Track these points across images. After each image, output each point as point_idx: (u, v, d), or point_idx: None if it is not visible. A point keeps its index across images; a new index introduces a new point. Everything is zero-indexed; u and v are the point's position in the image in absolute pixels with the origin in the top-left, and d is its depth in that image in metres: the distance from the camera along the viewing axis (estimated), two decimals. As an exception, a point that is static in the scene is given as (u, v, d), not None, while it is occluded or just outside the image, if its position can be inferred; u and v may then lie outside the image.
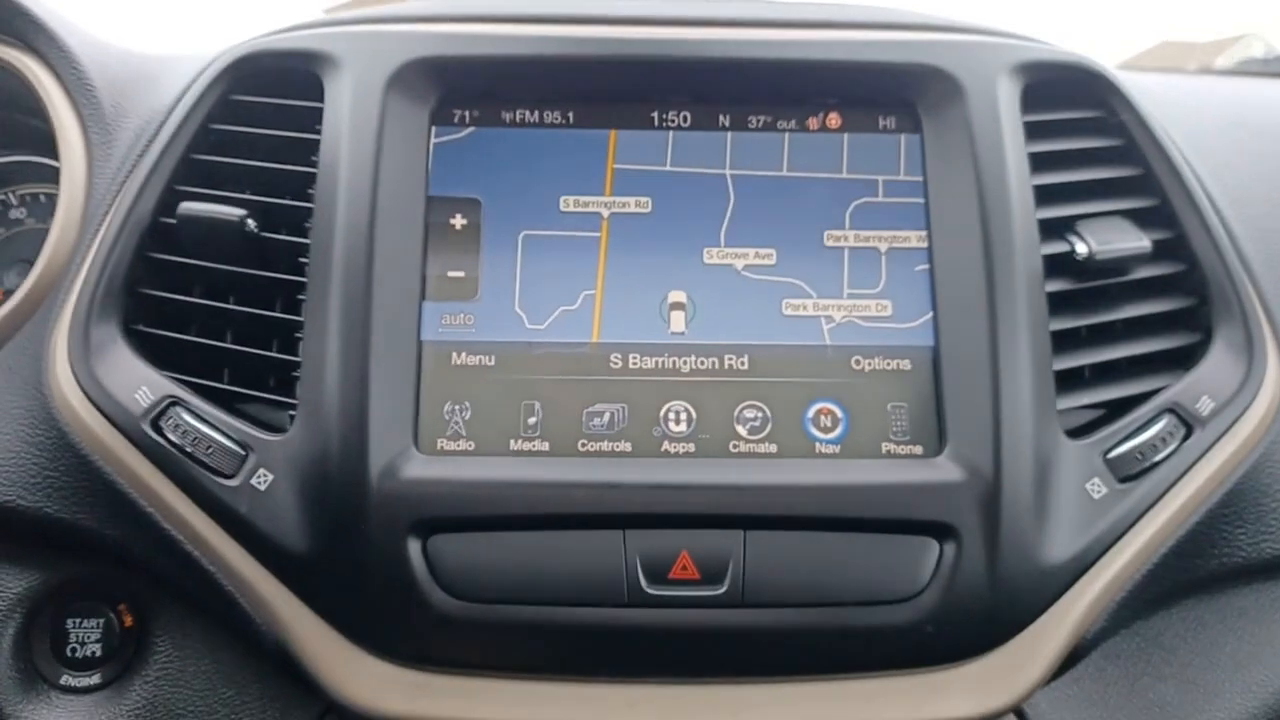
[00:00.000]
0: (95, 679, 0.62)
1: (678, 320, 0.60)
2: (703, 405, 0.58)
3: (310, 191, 0.62)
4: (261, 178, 0.62)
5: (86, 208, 0.65)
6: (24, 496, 0.61)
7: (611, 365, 0.59)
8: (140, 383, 0.59)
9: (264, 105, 0.64)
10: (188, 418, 0.58)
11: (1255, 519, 0.62)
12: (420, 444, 0.56)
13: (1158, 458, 0.58)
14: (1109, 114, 0.66)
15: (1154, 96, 0.68)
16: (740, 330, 0.60)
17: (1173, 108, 0.70)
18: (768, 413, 0.58)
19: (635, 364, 0.59)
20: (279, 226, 0.61)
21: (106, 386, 0.59)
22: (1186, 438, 0.59)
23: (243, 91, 0.64)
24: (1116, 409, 0.60)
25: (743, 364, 0.59)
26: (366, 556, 0.54)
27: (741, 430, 0.58)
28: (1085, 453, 0.58)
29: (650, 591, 0.54)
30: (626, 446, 0.57)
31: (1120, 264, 0.62)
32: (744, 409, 0.58)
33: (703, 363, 0.59)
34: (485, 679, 0.55)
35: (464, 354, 0.59)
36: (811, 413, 0.58)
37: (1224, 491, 0.60)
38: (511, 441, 0.57)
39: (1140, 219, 0.64)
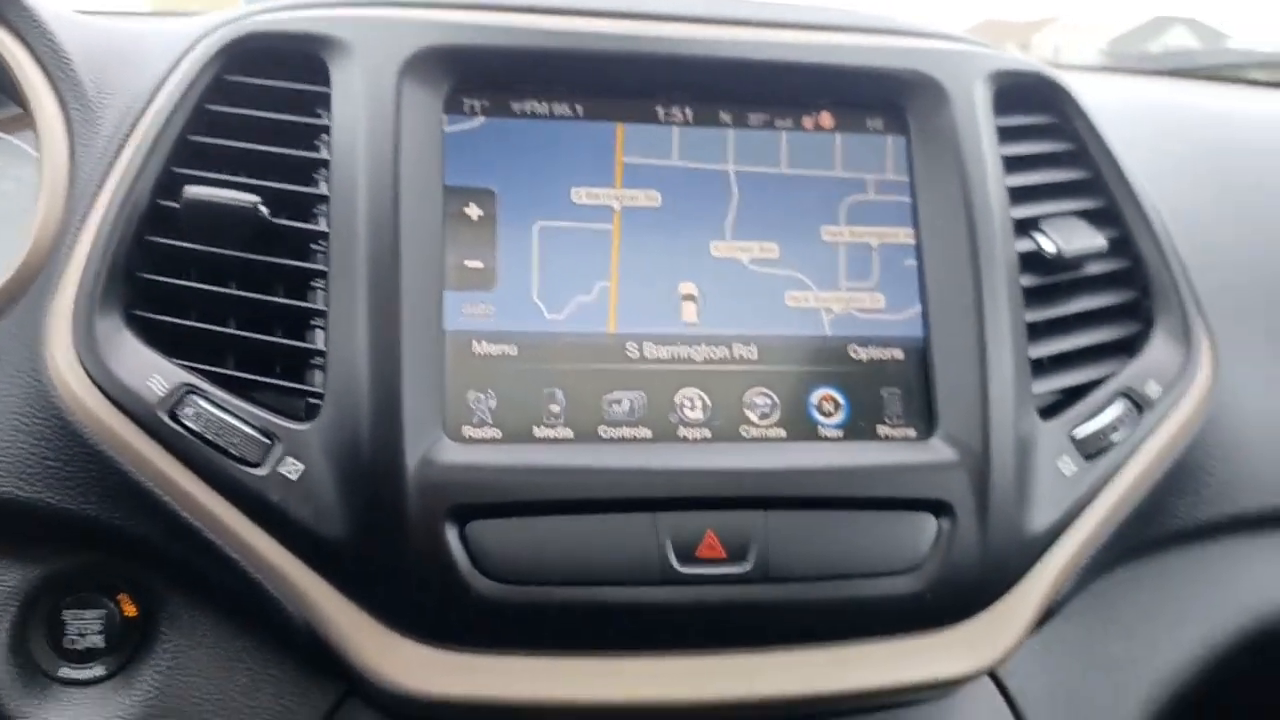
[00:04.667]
0: (98, 670, 0.61)
1: (689, 311, 0.63)
2: (715, 392, 0.61)
3: (317, 177, 0.62)
4: (265, 162, 0.62)
5: (71, 190, 0.63)
6: (21, 487, 0.59)
7: (628, 355, 0.61)
8: (151, 371, 0.58)
9: (264, 88, 0.63)
10: (207, 406, 0.57)
11: (1193, 490, 0.69)
12: (448, 432, 0.58)
13: (1115, 437, 0.65)
14: (1064, 120, 0.72)
15: (1094, 100, 0.74)
16: (748, 321, 0.63)
17: (1111, 112, 0.76)
18: (775, 399, 0.62)
19: (651, 353, 0.62)
20: (288, 212, 0.61)
21: (116, 375, 0.58)
22: (1138, 418, 0.66)
23: (240, 72, 0.63)
24: (1073, 394, 0.67)
25: (751, 353, 0.62)
26: (405, 543, 0.55)
27: (752, 416, 0.62)
28: (1056, 433, 0.64)
29: (680, 570, 0.57)
30: (646, 433, 0.60)
31: (1079, 261, 0.68)
32: (753, 395, 0.62)
33: (714, 352, 0.62)
34: (521, 657, 0.57)
35: (485, 343, 0.60)
36: (815, 399, 0.63)
37: (1168, 465, 0.67)
38: (535, 429, 0.59)
39: (1091, 218, 0.70)
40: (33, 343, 0.60)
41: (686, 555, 0.57)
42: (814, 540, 0.58)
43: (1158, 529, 0.69)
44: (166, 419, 0.57)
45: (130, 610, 0.62)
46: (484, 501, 0.56)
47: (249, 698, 0.61)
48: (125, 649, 0.62)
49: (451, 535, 0.55)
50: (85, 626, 0.62)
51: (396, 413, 0.56)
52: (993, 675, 0.68)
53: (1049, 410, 0.65)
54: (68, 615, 0.62)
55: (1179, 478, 0.69)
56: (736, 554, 0.57)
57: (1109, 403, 0.66)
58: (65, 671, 0.61)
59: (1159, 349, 0.69)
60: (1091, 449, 0.64)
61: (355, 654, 0.57)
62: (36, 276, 0.62)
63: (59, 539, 0.61)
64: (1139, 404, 0.67)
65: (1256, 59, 1.32)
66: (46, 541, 0.61)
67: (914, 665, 0.60)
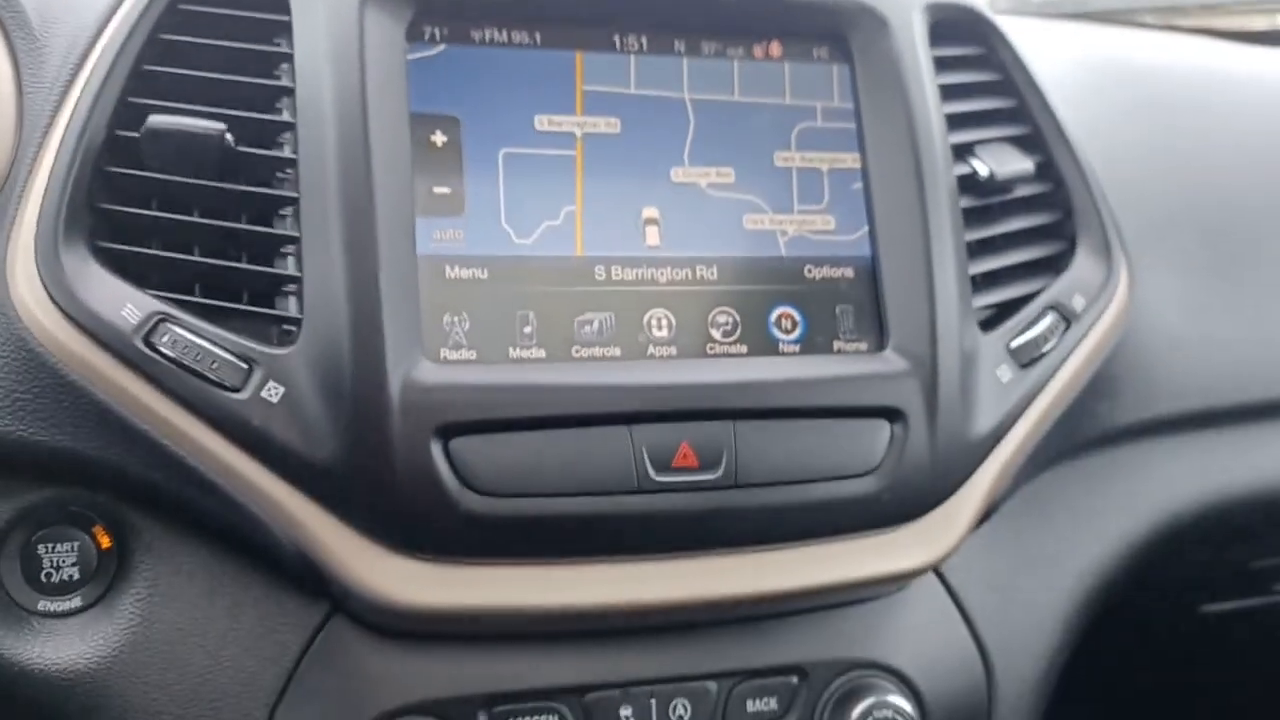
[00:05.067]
0: (75, 602, 0.62)
1: (652, 235, 0.65)
2: (680, 312, 0.64)
3: (279, 106, 0.62)
4: (225, 91, 0.61)
5: (20, 122, 0.62)
6: None
7: (596, 277, 0.63)
8: (124, 300, 0.58)
9: (221, 16, 0.62)
10: (183, 332, 0.57)
11: (1112, 396, 0.75)
12: (426, 354, 0.59)
13: (1047, 347, 0.70)
14: (991, 52, 0.76)
15: (1020, 37, 0.79)
16: (708, 243, 0.66)
17: (1032, 47, 0.81)
18: (737, 318, 0.65)
19: (618, 275, 0.64)
20: (252, 141, 0.61)
21: (87, 305, 0.57)
22: (1066, 330, 0.71)
23: (195, 1, 0.62)
24: (1007, 309, 0.71)
25: (712, 274, 0.65)
26: (392, 461, 0.56)
27: (716, 334, 0.64)
28: (994, 344, 0.68)
29: (657, 479, 0.59)
30: (616, 351, 0.63)
31: (1009, 184, 0.73)
32: (716, 314, 0.65)
33: (678, 273, 0.65)
34: (506, 567, 0.60)
35: (457, 267, 0.61)
36: (774, 317, 0.66)
37: (1092, 373, 0.73)
38: (510, 349, 0.61)
39: (1019, 144, 0.75)
40: None
41: (662, 465, 0.60)
42: (779, 448, 0.62)
43: (1083, 433, 0.75)
44: (142, 346, 0.57)
45: (105, 542, 0.62)
46: (467, 419, 0.58)
47: (233, 621, 0.62)
48: (102, 580, 0.62)
49: (437, 452, 0.57)
50: (60, 559, 0.62)
51: (378, 335, 0.57)
52: (938, 572, 0.72)
53: (987, 324, 0.70)
54: (41, 549, 0.61)
55: (1101, 385, 0.74)
56: (709, 463, 0.60)
57: (1040, 316, 0.71)
58: (43, 604, 0.61)
59: (1082, 266, 0.74)
60: (1026, 358, 0.69)
61: (344, 570, 0.58)
62: None
63: (30, 473, 0.61)
64: (1066, 317, 0.71)
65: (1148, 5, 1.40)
66: (17, 475, 0.61)
67: (871, 561, 0.64)
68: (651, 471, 0.59)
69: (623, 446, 0.59)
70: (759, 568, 0.62)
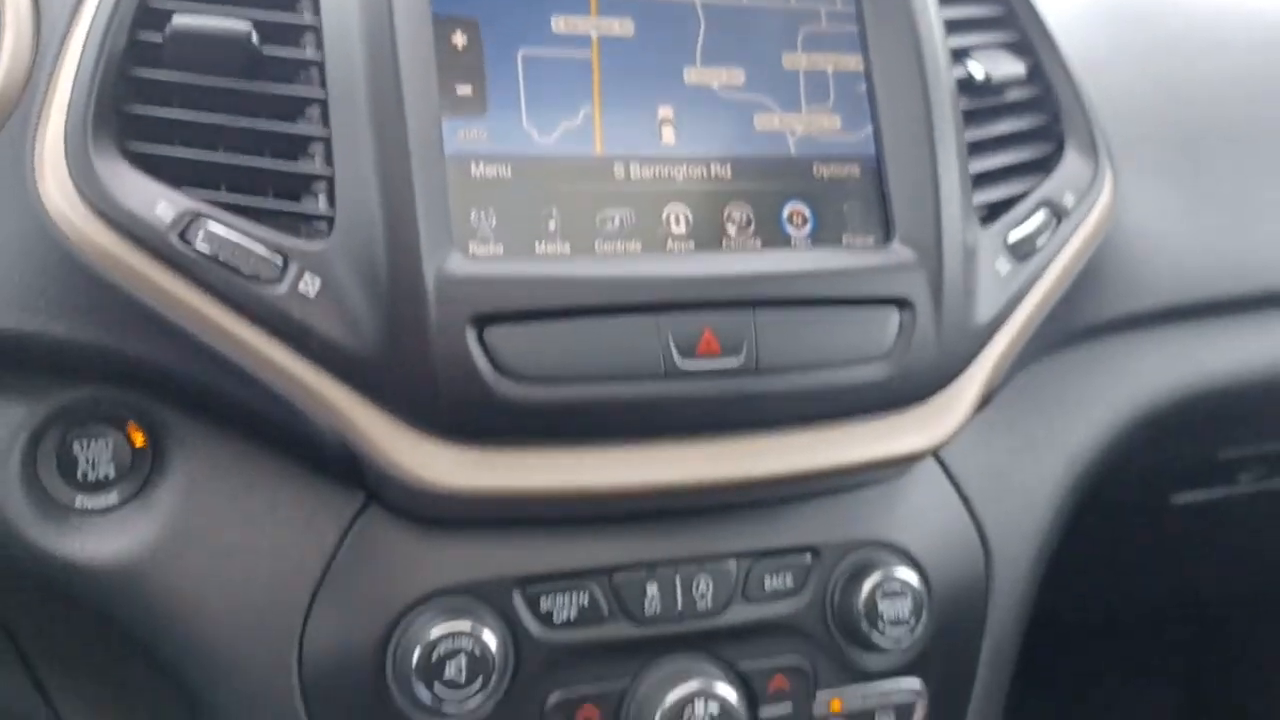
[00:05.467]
0: (113, 498, 0.63)
1: (668, 134, 0.67)
2: (697, 208, 0.66)
3: (301, 6, 0.63)
4: None
5: (38, 27, 0.62)
6: (25, 320, 0.59)
7: (616, 175, 0.65)
8: (156, 199, 0.59)
9: None
10: (218, 228, 0.59)
11: (1099, 289, 0.79)
12: (457, 247, 0.61)
13: (1040, 241, 0.73)
14: None
15: None
16: (721, 143, 0.68)
17: None
18: (750, 214, 0.67)
19: (636, 173, 0.66)
20: (277, 41, 0.62)
21: (121, 203, 0.58)
22: (1058, 225, 0.75)
23: None
24: (1001, 207, 0.74)
25: (726, 172, 0.67)
26: (430, 350, 0.58)
27: (731, 230, 0.67)
28: (993, 238, 0.72)
29: (682, 365, 0.62)
30: (637, 246, 0.65)
31: (1002, 86, 0.76)
32: (731, 210, 0.67)
33: (693, 171, 0.67)
34: (539, 451, 0.62)
35: (483, 165, 0.63)
36: (786, 213, 0.68)
37: (1081, 267, 0.76)
38: (537, 244, 0.63)
39: (1010, 50, 0.78)
40: (21, 177, 0.60)
41: (688, 351, 0.62)
42: (796, 335, 0.64)
43: (1071, 325, 0.78)
44: (178, 243, 0.58)
45: (139, 440, 0.64)
46: (501, 309, 0.60)
47: (271, 513, 0.64)
48: (137, 477, 0.64)
49: (473, 340, 0.59)
50: (95, 457, 0.63)
51: (412, 229, 0.59)
52: (939, 459, 0.76)
53: (983, 221, 0.73)
54: (76, 447, 0.63)
55: (1088, 279, 0.78)
56: (731, 349, 0.63)
57: (1033, 212, 0.74)
58: (80, 501, 0.63)
59: (1071, 165, 0.77)
60: (1021, 252, 0.72)
61: (384, 456, 0.60)
62: (12, 111, 0.61)
63: (64, 372, 0.61)
64: (1058, 213, 0.75)
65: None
66: (51, 375, 0.62)
67: (880, 443, 0.68)
68: (677, 358, 0.62)
69: (649, 334, 0.62)
70: (777, 450, 0.65)
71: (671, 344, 0.62)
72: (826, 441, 0.66)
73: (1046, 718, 0.81)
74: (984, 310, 0.70)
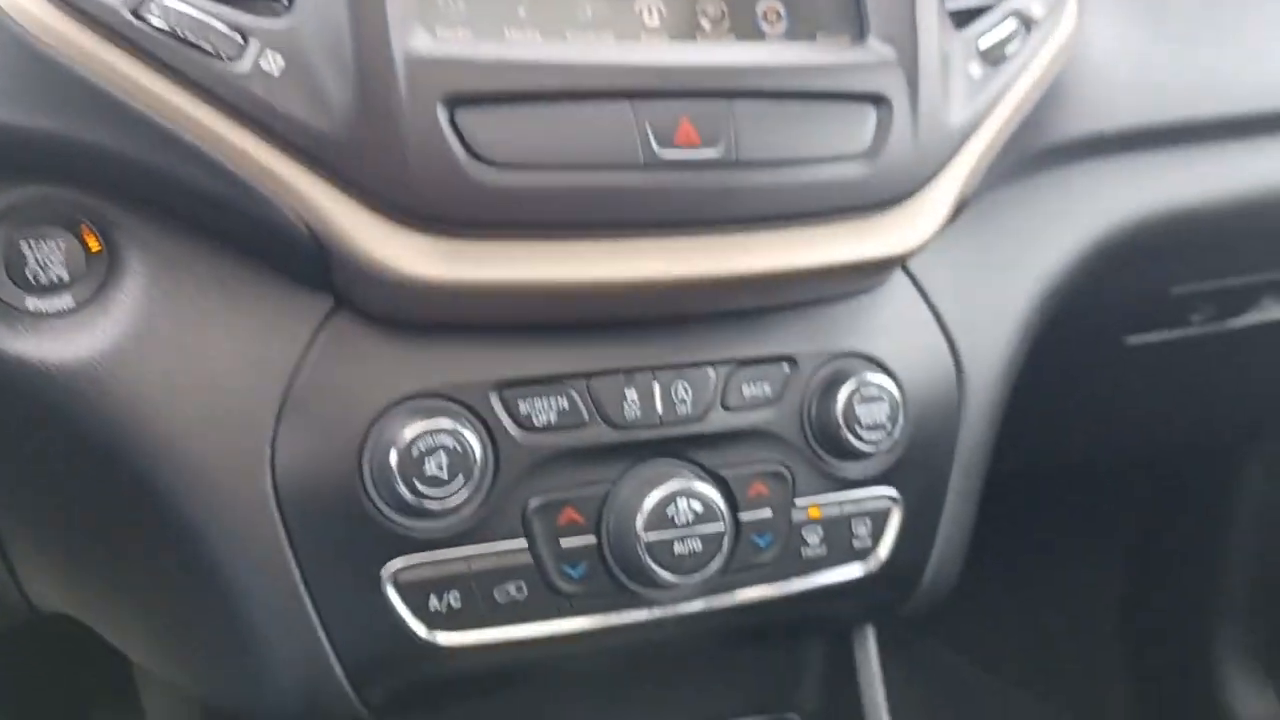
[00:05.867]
0: (67, 301, 0.60)
1: None
2: (670, 2, 0.64)
3: None
4: None
5: None
6: None
7: None
8: None
9: None
10: (172, 3, 0.55)
11: (1065, 106, 0.79)
12: (426, 28, 0.58)
13: (1010, 49, 0.73)
14: None
15: None
16: None
17: None
18: (724, 8, 0.65)
19: None
20: None
21: None
22: (1027, 34, 0.74)
23: None
24: (969, 15, 0.74)
25: None
26: (401, 130, 0.56)
27: (705, 24, 0.65)
28: (966, 43, 0.71)
29: (660, 154, 0.60)
30: (610, 35, 0.63)
31: None
32: (705, 5, 0.65)
33: None
34: (514, 242, 0.60)
35: None
36: (760, 9, 0.66)
37: (1050, 80, 0.76)
38: (506, 30, 0.61)
39: None
40: None
41: (666, 141, 0.61)
42: (775, 128, 0.63)
43: (1040, 142, 0.78)
44: (131, 18, 0.55)
45: (94, 244, 0.60)
46: (473, 89, 0.57)
47: (236, 315, 0.61)
48: (93, 280, 0.60)
49: (444, 122, 0.57)
50: (45, 259, 0.60)
51: (379, 6, 0.56)
52: (910, 274, 0.76)
53: (955, 26, 0.72)
54: (25, 247, 0.59)
55: (1057, 97, 0.78)
56: (709, 139, 0.62)
57: (1003, 20, 0.73)
58: (32, 303, 0.59)
59: None
60: (993, 59, 0.72)
61: (356, 245, 0.58)
62: None
63: (13, 167, 0.58)
64: (1027, 23, 0.74)
65: None
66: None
67: (858, 244, 0.67)
68: (655, 146, 0.60)
69: (626, 121, 0.60)
70: (755, 248, 0.64)
71: (649, 132, 0.60)
72: (805, 241, 0.66)
73: (993, 569, 0.82)
74: (959, 112, 0.69)
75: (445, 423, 0.61)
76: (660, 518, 0.65)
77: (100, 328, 0.60)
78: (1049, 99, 0.77)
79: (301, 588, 0.63)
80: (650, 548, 0.65)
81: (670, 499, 0.65)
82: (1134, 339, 1.02)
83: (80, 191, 0.60)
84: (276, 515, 0.62)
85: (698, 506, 0.66)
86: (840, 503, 0.72)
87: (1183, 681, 1.58)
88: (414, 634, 0.64)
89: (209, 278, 0.61)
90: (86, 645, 0.80)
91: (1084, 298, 0.86)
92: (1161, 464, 1.51)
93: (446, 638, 0.65)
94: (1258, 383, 1.22)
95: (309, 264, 0.60)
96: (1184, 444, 1.41)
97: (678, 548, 0.66)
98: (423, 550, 0.63)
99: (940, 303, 0.77)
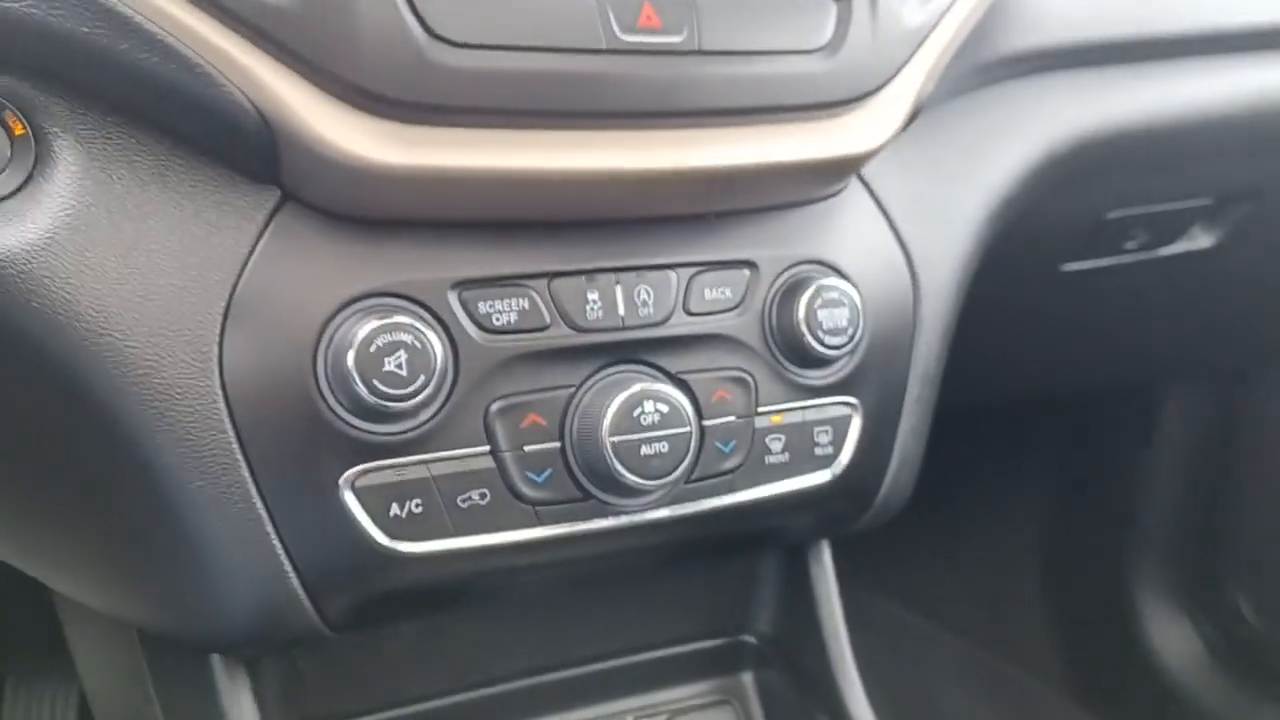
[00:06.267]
0: None
1: None
2: None
3: None
4: None
5: None
6: None
7: None
8: None
9: None
10: None
11: (1011, 18, 0.80)
12: None
13: None
14: None
15: None
16: None
17: None
18: None
19: None
20: None
21: None
22: None
23: None
24: None
25: None
26: (355, 4, 0.53)
27: None
28: None
29: (623, 37, 0.59)
30: None
31: None
32: None
33: None
34: (471, 129, 0.58)
35: None
36: None
37: None
38: None
39: None
40: None
41: (628, 25, 0.59)
42: (737, 19, 0.62)
43: (989, 51, 0.79)
44: None
45: (18, 128, 0.56)
46: None
47: (175, 207, 0.58)
48: (20, 169, 0.56)
49: None
50: None
51: None
52: (865, 184, 0.76)
53: None
54: None
55: (1005, 7, 0.79)
56: (672, 26, 0.60)
57: None
58: None
59: None
60: None
61: (306, 126, 0.55)
62: None
63: None
64: None
65: None
66: None
67: (817, 143, 0.66)
68: (617, 29, 0.59)
69: (588, 2, 0.58)
70: (715, 142, 0.63)
71: (610, 14, 0.59)
72: (765, 137, 0.65)
73: (919, 506, 0.82)
74: (914, 14, 0.69)
75: (404, 319, 0.59)
76: (626, 420, 0.64)
77: (30, 218, 0.56)
78: (998, 10, 0.78)
79: (256, 497, 0.60)
80: (617, 450, 0.63)
81: (636, 401, 0.64)
82: (1070, 265, 1.04)
83: (2, 73, 0.55)
84: (228, 420, 0.58)
85: (664, 408, 0.64)
86: (803, 407, 0.72)
87: (1105, 624, 1.62)
88: (375, 542, 0.61)
89: (148, 170, 0.58)
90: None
91: (1027, 218, 0.87)
92: (1081, 406, 1.54)
93: (409, 546, 0.62)
94: (1183, 320, 1.26)
95: (256, 152, 0.57)
96: (1109, 382, 1.44)
97: (644, 450, 0.64)
98: (382, 457, 0.61)
99: (895, 212, 0.77)
